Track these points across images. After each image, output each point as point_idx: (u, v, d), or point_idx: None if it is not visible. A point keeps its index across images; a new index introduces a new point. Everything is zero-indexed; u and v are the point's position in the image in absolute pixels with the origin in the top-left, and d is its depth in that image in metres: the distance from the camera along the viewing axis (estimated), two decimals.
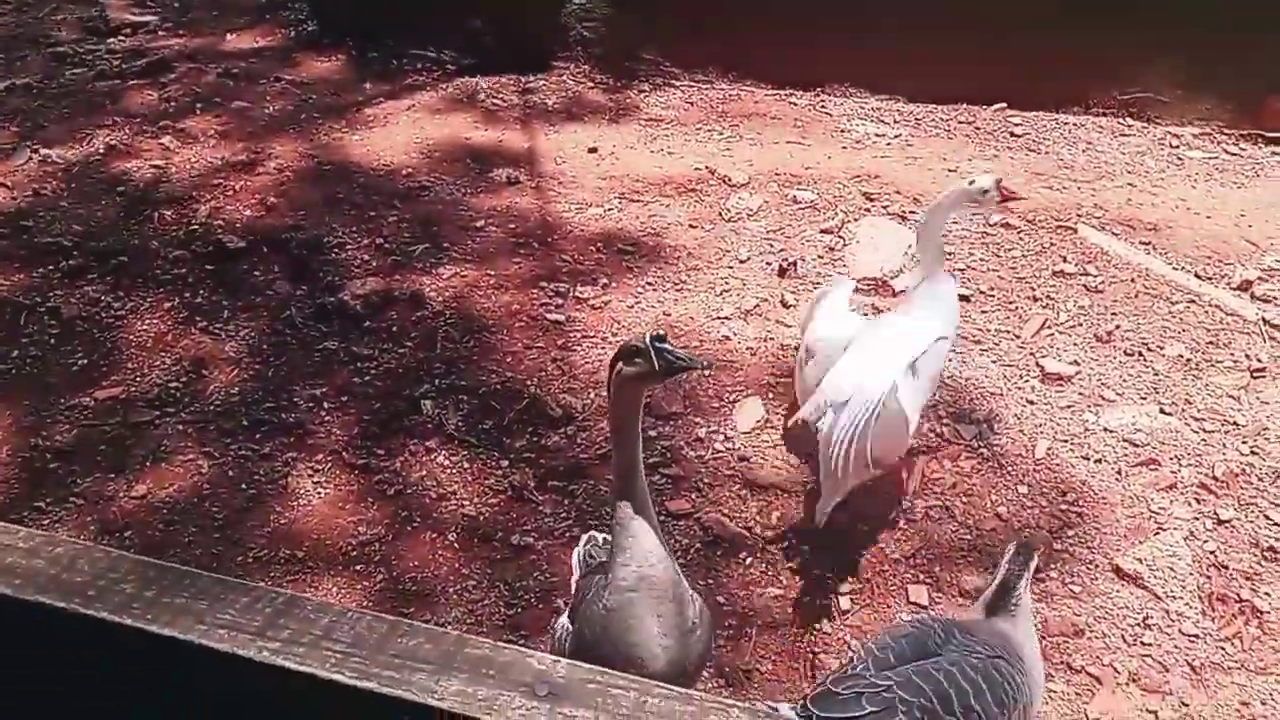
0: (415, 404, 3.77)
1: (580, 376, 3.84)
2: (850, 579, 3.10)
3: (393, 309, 4.19)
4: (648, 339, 2.09)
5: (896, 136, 5.38)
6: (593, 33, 6.01)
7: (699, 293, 4.26)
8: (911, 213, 4.68)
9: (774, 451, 3.53)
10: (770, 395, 3.75)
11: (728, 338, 4.02)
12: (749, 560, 3.20)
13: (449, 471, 3.52)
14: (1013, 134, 5.39)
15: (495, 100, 5.83)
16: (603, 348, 3.96)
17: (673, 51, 6.01)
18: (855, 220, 4.63)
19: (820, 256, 4.43)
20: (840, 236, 4.54)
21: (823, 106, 5.69)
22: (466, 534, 3.33)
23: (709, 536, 3.26)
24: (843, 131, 5.42)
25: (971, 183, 3.23)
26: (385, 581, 3.24)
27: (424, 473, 3.53)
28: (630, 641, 2.17)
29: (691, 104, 5.76)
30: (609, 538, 2.53)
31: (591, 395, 3.75)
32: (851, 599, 3.04)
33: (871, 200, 4.78)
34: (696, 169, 5.04)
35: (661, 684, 0.89)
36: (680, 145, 5.33)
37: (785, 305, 4.18)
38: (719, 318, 4.11)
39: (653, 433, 3.59)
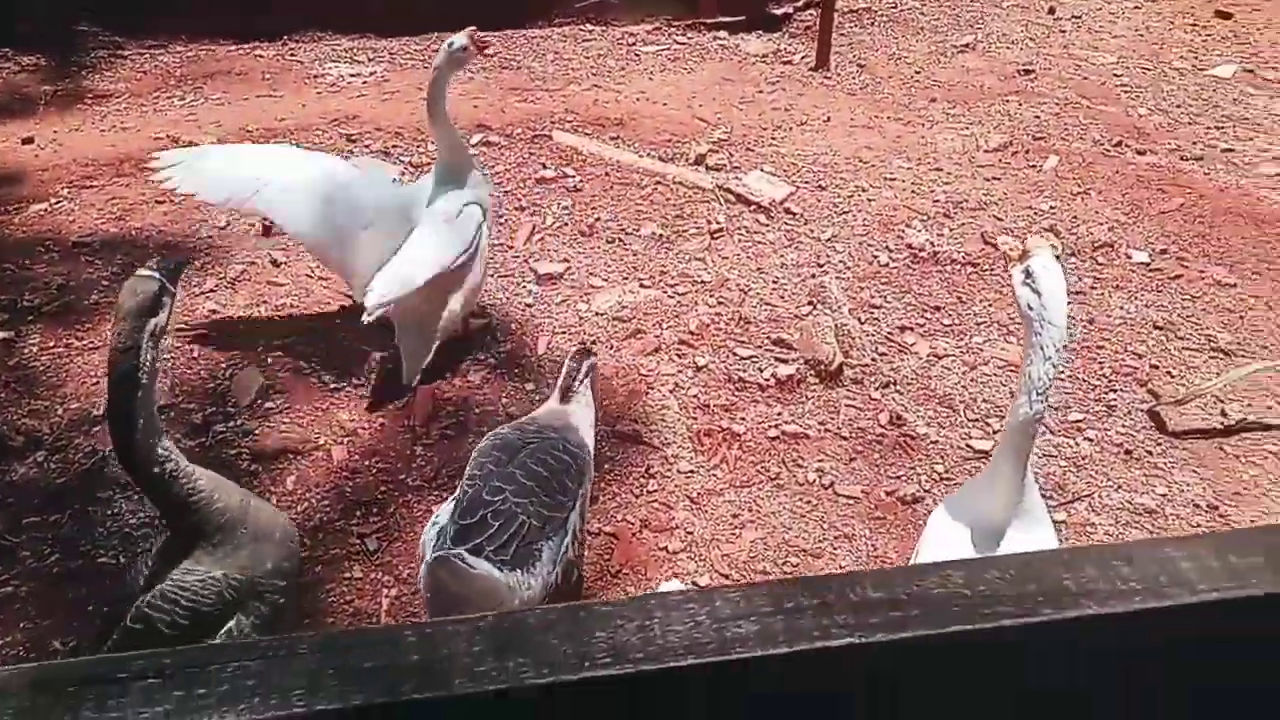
0: None
1: (43, 395, 3.39)
2: (374, 518, 3.06)
3: None
4: (157, 273, 1.98)
5: (372, 74, 5.29)
6: (9, 8, 5.23)
7: None
8: (395, 148, 4.65)
9: (280, 416, 3.37)
10: (269, 360, 3.56)
11: (215, 311, 3.75)
12: None
13: None
14: (485, 53, 5.49)
15: None
16: (68, 357, 3.53)
17: (115, 20, 5.41)
18: None
19: None
20: None
21: (292, 55, 5.44)
22: None
23: None
24: (316, 77, 5.23)
25: (450, 45, 3.47)
26: None
27: None
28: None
29: (145, 73, 5.25)
30: None
31: (60, 412, 3.33)
32: (378, 539, 3.01)
33: (353, 141, 4.67)
34: (157, 140, 4.61)
35: None
36: (136, 119, 4.84)
37: (275, 264, 3.98)
38: (202, 292, 3.82)
39: None
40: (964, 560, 0.92)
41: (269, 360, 3.55)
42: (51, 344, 3.58)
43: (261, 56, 5.41)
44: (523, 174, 4.52)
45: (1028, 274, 2.08)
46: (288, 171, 3.42)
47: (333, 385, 3.47)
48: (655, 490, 3.20)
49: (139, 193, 4.31)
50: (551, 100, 5.10)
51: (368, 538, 3.01)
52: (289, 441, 3.28)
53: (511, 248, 4.12)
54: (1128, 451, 3.42)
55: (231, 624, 2.16)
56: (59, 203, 4.25)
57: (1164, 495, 3.25)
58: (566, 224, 4.29)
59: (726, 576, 2.96)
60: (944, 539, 2.25)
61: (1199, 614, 0.85)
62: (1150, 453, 3.42)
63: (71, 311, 3.71)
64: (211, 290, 3.83)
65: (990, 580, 0.86)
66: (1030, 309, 2.06)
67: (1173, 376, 3.73)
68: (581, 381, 2.88)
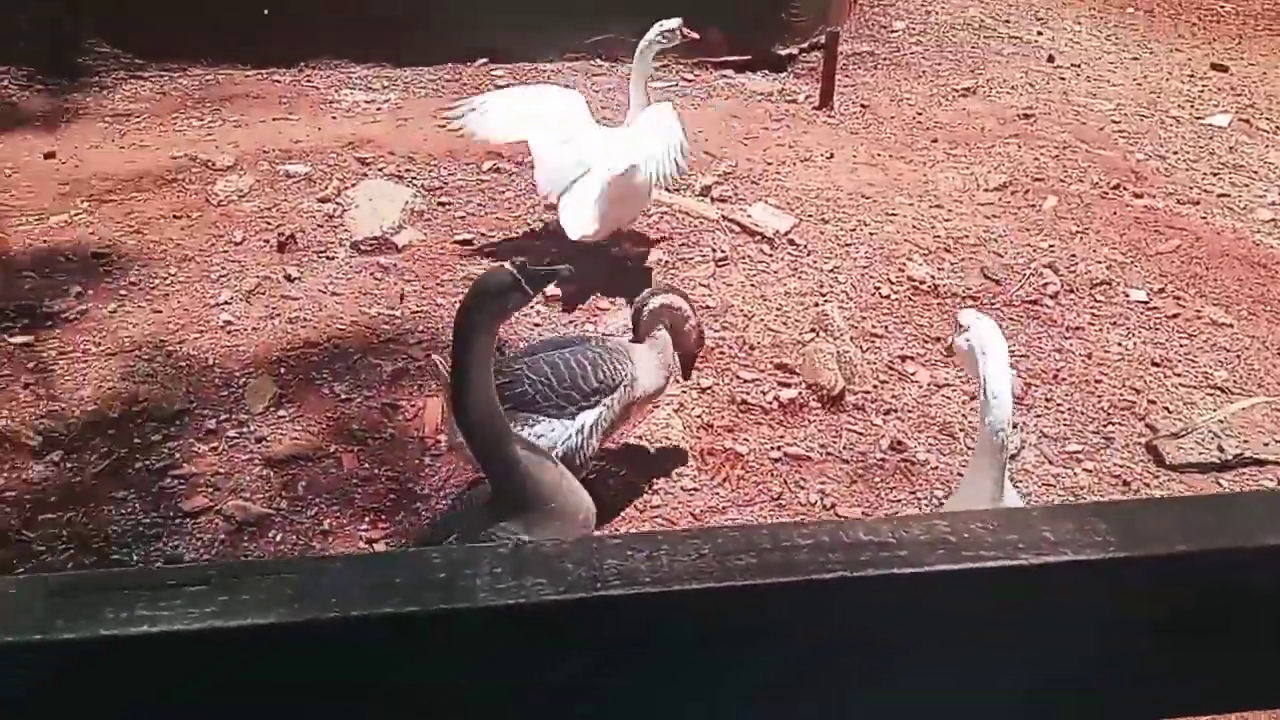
0: None
1: (62, 397, 3.46)
2: (384, 524, 3.11)
3: None
4: (514, 269, 2.19)
5: (386, 101, 5.42)
6: (25, 26, 5.37)
7: (192, 284, 4.01)
8: (407, 171, 4.75)
9: (292, 424, 3.44)
10: (282, 370, 3.63)
11: (230, 322, 3.83)
12: (279, 536, 3.09)
13: None
14: (496, 85, 5.64)
15: None
16: (85, 362, 3.61)
17: (134, 41, 5.56)
18: (352, 185, 4.60)
19: (320, 225, 4.35)
20: (338, 203, 4.49)
21: (308, 81, 5.58)
22: None
23: (233, 525, 3.11)
24: (331, 103, 5.36)
25: (661, 25, 4.04)
26: None
27: None
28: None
29: (164, 94, 5.38)
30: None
31: (77, 413, 3.40)
32: (386, 543, 3.06)
33: (366, 165, 4.78)
34: (176, 159, 4.72)
35: None
36: (156, 137, 4.96)
37: (289, 279, 4.06)
38: (217, 304, 3.91)
39: (156, 437, 3.35)
40: (950, 513, 0.98)
41: (282, 370, 3.62)
42: (70, 349, 3.65)
43: (278, 82, 5.54)
44: (531, 200, 4.61)
45: (966, 335, 2.40)
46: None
47: (344, 396, 3.53)
48: (659, 506, 3.25)
49: (157, 208, 4.41)
50: None
51: (376, 542, 3.06)
52: (300, 448, 3.34)
53: None
54: (1125, 483, 3.47)
55: None
56: (78, 215, 4.35)
57: None
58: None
59: None
60: None
61: (1166, 564, 0.91)
62: (1147, 485, 3.47)
63: (89, 319, 3.80)
64: (226, 303, 3.91)
65: (974, 530, 0.92)
66: (974, 360, 2.35)
67: (1170, 412, 3.79)
68: (647, 321, 3.09)
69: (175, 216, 4.35)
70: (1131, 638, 0.91)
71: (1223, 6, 7.89)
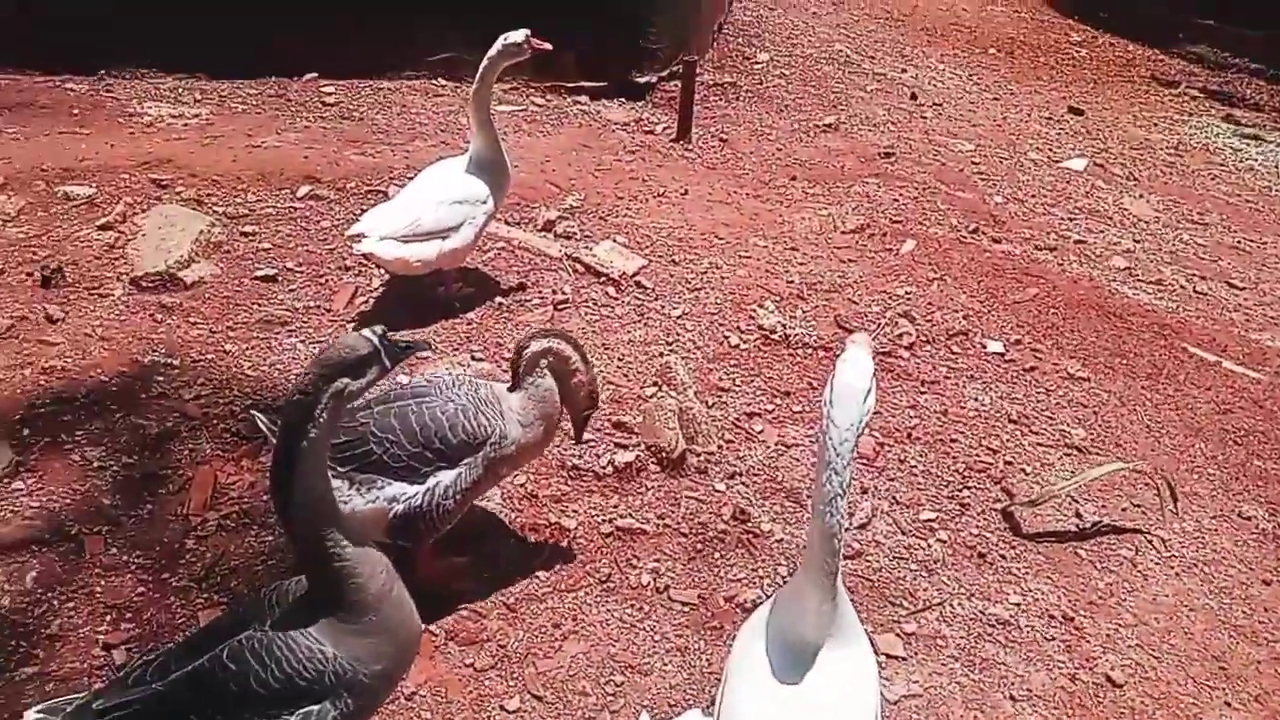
0: None
1: None
2: (127, 625, 2.58)
3: None
4: (375, 338, 1.89)
5: (196, 117, 4.85)
6: None
7: None
8: (209, 196, 4.21)
9: (28, 499, 2.87)
10: (25, 431, 3.05)
11: None
12: None
13: None
14: (324, 103, 5.15)
15: None
16: None
17: None
18: (143, 212, 4.03)
19: (97, 257, 3.78)
20: (123, 231, 3.92)
21: (108, 90, 4.97)
22: None
23: None
24: (131, 116, 4.77)
25: (506, 38, 3.65)
26: None
27: None
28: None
29: None
30: None
31: None
32: (127, 650, 2.52)
33: (163, 188, 4.22)
34: None
35: None
36: None
37: (51, 321, 3.48)
38: None
39: None
40: None
41: (25, 432, 3.04)
42: None
43: (72, 90, 4.91)
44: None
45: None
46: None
47: (97, 464, 2.98)
48: (465, 593, 2.82)
49: None
50: (393, 155, 4.76)
51: (115, 648, 2.52)
52: (34, 530, 2.78)
53: (329, 310, 3.73)
54: (981, 554, 3.22)
55: (315, 709, 1.94)
56: None
57: (1017, 604, 3.06)
58: (392, 288, 3.92)
59: (540, 699, 2.59)
60: (752, 664, 1.97)
61: None
62: (1004, 556, 3.23)
63: None
64: None
65: None
66: (824, 410, 1.79)
67: (1027, 474, 3.58)
68: (525, 366, 2.70)
69: None
70: None
71: (1078, 52, 8.04)
